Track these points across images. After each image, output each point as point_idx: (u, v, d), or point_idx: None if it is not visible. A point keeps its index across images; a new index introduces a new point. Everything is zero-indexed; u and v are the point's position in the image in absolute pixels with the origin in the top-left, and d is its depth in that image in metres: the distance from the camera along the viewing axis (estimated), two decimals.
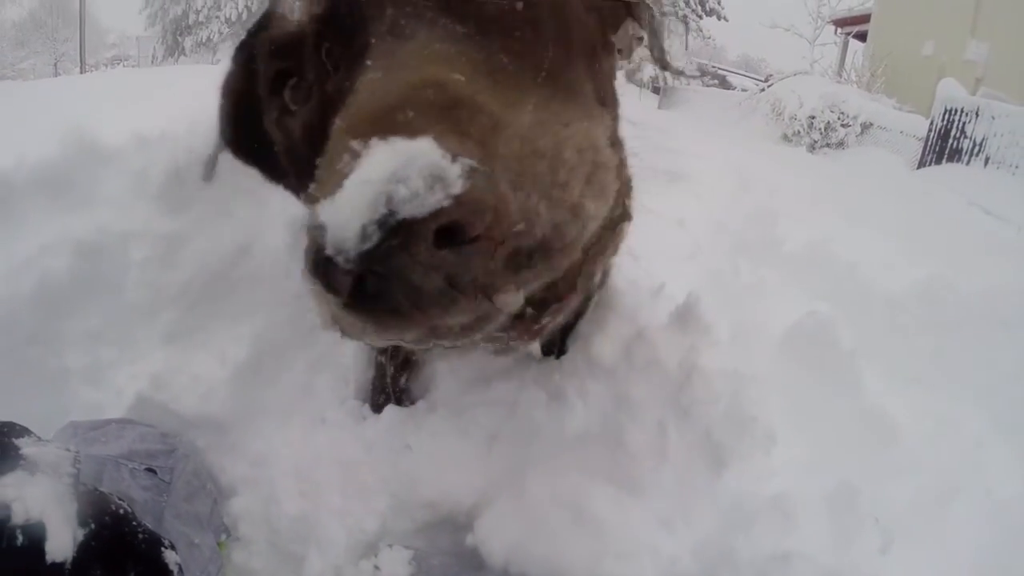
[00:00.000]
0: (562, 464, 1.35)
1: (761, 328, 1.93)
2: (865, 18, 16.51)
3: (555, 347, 1.67)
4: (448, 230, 0.44)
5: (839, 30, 18.82)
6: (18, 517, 0.84)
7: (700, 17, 18.28)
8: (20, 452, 0.94)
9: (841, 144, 10.45)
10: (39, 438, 1.06)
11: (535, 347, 1.72)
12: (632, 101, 15.00)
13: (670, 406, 1.41)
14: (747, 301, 2.20)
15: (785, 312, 1.98)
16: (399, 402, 1.63)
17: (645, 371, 1.46)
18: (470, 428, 1.48)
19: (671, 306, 1.68)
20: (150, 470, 1.25)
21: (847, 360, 1.77)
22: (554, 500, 1.26)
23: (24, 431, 1.04)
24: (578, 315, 1.62)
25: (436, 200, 0.43)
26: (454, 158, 0.44)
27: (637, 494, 1.29)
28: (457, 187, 0.43)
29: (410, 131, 0.46)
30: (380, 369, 1.64)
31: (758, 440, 1.35)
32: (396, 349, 1.62)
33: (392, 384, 1.63)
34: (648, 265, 2.25)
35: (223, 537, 1.40)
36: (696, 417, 1.39)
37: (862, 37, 16.86)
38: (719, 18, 18.52)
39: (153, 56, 19.66)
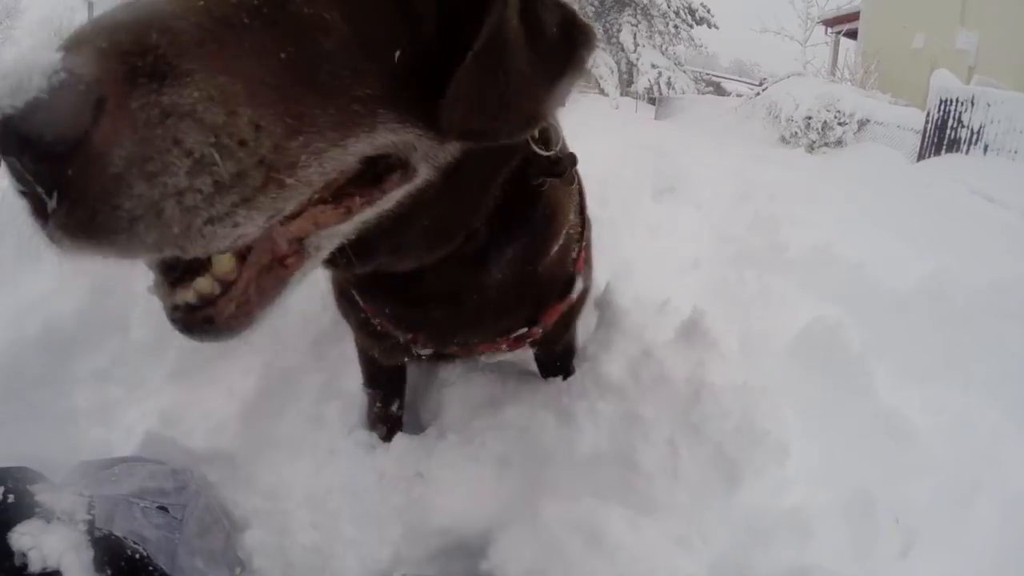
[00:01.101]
0: (574, 487, 1.34)
1: (769, 336, 1.92)
2: (854, 16, 16.61)
3: (555, 369, 1.66)
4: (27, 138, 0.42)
5: (829, 30, 18.93)
6: (35, 565, 0.85)
7: (691, 26, 18.40)
8: (35, 499, 0.94)
9: (839, 142, 10.49)
10: (53, 483, 1.06)
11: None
12: (629, 113, 15.12)
13: (680, 424, 1.40)
14: (754, 310, 2.19)
15: (793, 318, 1.98)
16: (397, 428, 1.63)
17: (654, 389, 1.45)
18: (480, 454, 1.47)
19: (677, 321, 1.67)
20: (162, 508, 1.24)
21: (857, 363, 1.75)
22: (567, 524, 1.25)
23: (38, 477, 1.04)
24: (567, 342, 1.60)
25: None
26: (66, 75, 0.42)
27: (651, 514, 1.27)
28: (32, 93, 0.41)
29: (74, 50, 0.44)
30: (370, 399, 1.64)
31: (771, 453, 1.33)
32: (379, 378, 1.61)
33: (382, 413, 1.62)
34: (652, 278, 2.25)
35: (237, 571, 1.39)
36: (707, 433, 1.38)
37: (853, 35, 16.95)
38: (709, 26, 18.62)
39: None
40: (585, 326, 1.71)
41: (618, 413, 1.44)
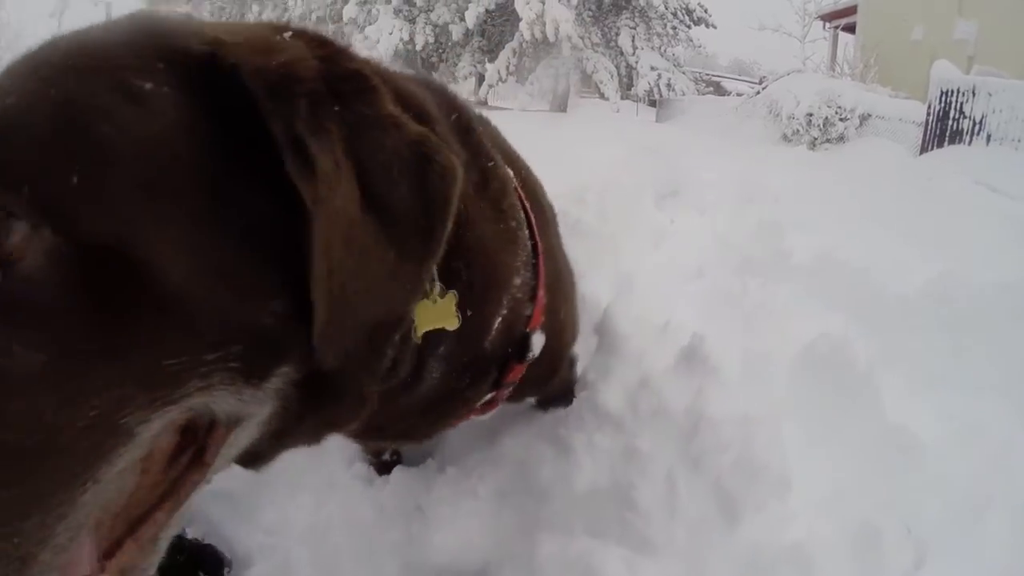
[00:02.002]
0: (571, 524, 1.32)
1: (773, 353, 1.86)
2: (852, 10, 16.55)
3: (551, 405, 1.63)
4: None
5: (827, 25, 18.87)
6: None
7: (689, 27, 18.38)
8: None
9: (841, 138, 10.43)
10: None
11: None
12: (630, 116, 15.13)
13: (679, 457, 1.37)
14: (757, 322, 2.14)
15: (798, 331, 1.93)
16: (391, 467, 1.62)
17: (652, 421, 1.43)
18: (479, 488, 1.46)
19: (677, 346, 1.64)
20: None
21: (864, 379, 1.71)
22: (564, 563, 1.22)
23: None
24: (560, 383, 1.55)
25: None
26: None
27: (648, 554, 1.24)
28: None
29: None
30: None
31: (772, 487, 1.30)
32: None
33: (376, 460, 1.62)
34: (654, 291, 2.22)
35: None
36: (706, 467, 1.35)
37: (851, 29, 16.90)
38: (707, 26, 18.59)
39: None
40: (585, 350, 1.69)
41: (616, 446, 1.41)
